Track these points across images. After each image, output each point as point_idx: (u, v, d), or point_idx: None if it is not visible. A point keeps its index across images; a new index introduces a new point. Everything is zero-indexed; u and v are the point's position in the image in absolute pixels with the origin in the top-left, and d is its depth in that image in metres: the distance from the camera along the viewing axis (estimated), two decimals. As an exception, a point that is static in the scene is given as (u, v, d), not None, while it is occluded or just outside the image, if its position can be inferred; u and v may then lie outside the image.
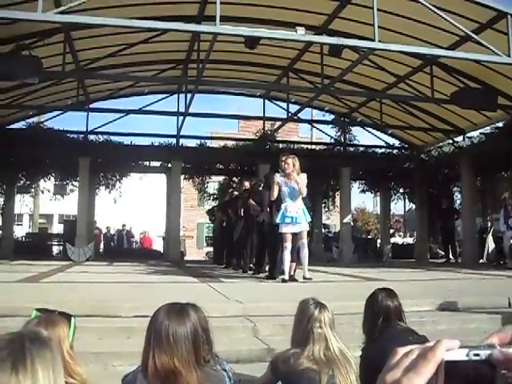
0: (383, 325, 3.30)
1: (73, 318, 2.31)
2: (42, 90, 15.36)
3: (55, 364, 1.07)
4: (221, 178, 22.30)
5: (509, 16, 9.53)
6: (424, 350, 0.70)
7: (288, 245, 8.70)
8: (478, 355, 0.67)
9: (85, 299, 6.05)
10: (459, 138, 17.67)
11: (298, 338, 2.99)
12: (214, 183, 23.56)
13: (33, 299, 5.66)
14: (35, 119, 18.30)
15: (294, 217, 8.68)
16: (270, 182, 9.79)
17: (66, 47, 12.49)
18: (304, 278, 8.65)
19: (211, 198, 21.79)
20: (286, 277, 8.68)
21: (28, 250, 16.75)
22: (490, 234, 16.97)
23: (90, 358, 4.16)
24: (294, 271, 8.91)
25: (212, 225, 18.67)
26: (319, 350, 2.88)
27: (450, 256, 17.56)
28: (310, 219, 9.21)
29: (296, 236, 8.80)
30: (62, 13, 7.96)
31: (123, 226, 24.03)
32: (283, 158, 8.91)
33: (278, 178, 8.81)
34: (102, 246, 22.51)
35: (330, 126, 20.58)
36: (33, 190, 19.61)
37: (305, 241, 8.85)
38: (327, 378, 2.80)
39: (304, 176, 8.90)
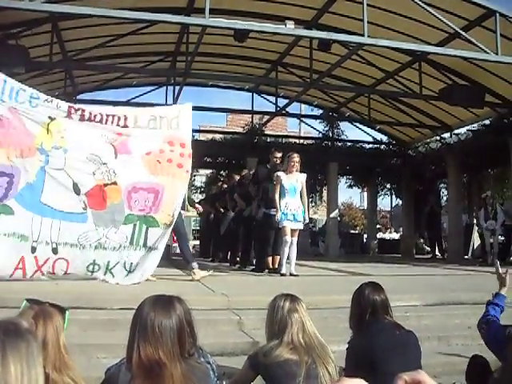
0: (370, 319, 3.32)
1: (67, 311, 2.30)
2: (29, 81, 15.19)
3: (30, 357, 1.04)
4: (208, 172, 22.25)
5: (497, 14, 9.57)
6: None
7: (288, 238, 8.71)
8: None
9: (70, 291, 6.02)
10: (446, 135, 17.76)
11: (274, 330, 3.00)
12: (201, 176, 23.50)
13: (18, 291, 5.62)
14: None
15: (295, 214, 8.77)
16: (260, 177, 9.85)
17: (54, 37, 12.38)
18: (291, 274, 8.68)
19: (198, 191, 21.75)
20: (284, 271, 8.71)
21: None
22: (476, 230, 17.14)
23: (75, 350, 4.13)
24: (279, 265, 8.93)
25: (198, 218, 18.61)
26: (297, 333, 2.90)
27: (436, 252, 17.71)
28: (307, 220, 9.27)
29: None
30: (49, 2, 7.90)
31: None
32: (292, 157, 8.98)
33: (281, 175, 8.86)
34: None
35: (319, 120, 20.59)
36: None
37: (295, 239, 8.87)
38: (308, 369, 2.81)
39: (304, 176, 9.02)
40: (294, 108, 19.84)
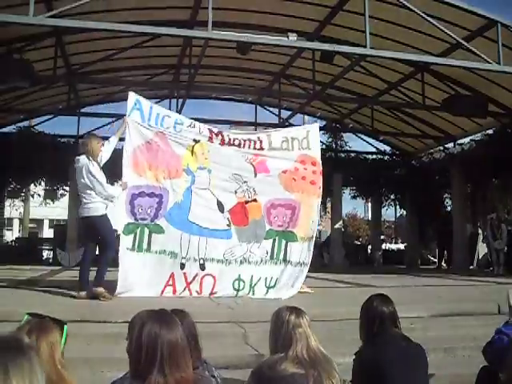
0: (378, 330, 3.32)
1: (66, 326, 2.28)
2: (33, 94, 15.30)
3: (32, 374, 1.03)
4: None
5: (499, 24, 9.58)
6: None
7: None
8: None
9: (74, 304, 6.01)
10: (450, 145, 17.74)
11: (279, 344, 2.95)
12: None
13: (21, 304, 5.62)
14: (26, 123, 18.20)
15: None
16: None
17: (58, 51, 12.45)
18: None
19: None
20: None
21: (18, 255, 16.63)
22: (481, 240, 17.11)
23: (79, 364, 4.13)
24: None
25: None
26: (302, 349, 2.87)
27: (442, 262, 17.67)
28: None
29: None
30: (53, 17, 7.94)
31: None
32: None
33: None
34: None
35: (322, 132, 20.61)
36: (23, 194, 19.40)
37: None
38: (315, 382, 2.78)
39: None
40: (298, 120, 19.90)
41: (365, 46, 8.92)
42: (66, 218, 17.36)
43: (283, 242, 7.78)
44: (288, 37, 9.28)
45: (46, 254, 20.11)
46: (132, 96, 7.50)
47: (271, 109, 18.54)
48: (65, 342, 2.22)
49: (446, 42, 11.19)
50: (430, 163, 18.70)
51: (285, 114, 17.81)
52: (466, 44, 9.65)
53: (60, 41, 12.33)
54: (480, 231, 18.07)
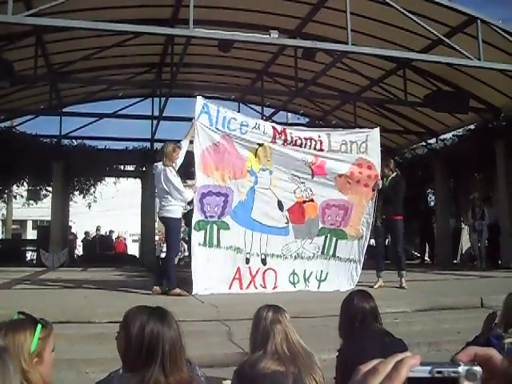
0: (360, 326, 3.33)
1: (39, 325, 2.24)
2: (14, 94, 15.15)
3: (6, 374, 1.03)
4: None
5: (478, 20, 9.65)
6: (389, 371, 0.71)
7: None
8: (440, 373, 0.68)
9: (58, 305, 5.97)
10: (432, 141, 17.85)
11: (258, 341, 2.97)
12: (189, 187, 23.34)
13: (5, 306, 5.57)
14: (7, 123, 18.04)
15: None
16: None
17: (38, 50, 12.33)
18: None
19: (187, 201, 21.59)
20: None
21: (1, 257, 16.48)
22: (467, 234, 17.23)
23: (63, 365, 4.11)
24: None
25: (187, 229, 18.48)
26: (281, 343, 2.88)
27: (426, 257, 17.77)
28: None
29: None
30: (33, 15, 7.86)
31: (97, 231, 23.63)
32: None
33: None
34: (80, 251, 22.18)
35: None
36: (5, 195, 19.22)
37: None
38: (295, 379, 2.78)
39: None
40: (281, 117, 19.89)
41: (346, 43, 8.95)
42: (49, 218, 17.21)
43: (334, 239, 8.47)
44: (270, 34, 9.29)
45: (29, 255, 19.96)
46: (200, 100, 8.09)
47: (254, 106, 18.53)
48: (36, 342, 2.18)
49: (427, 39, 11.24)
50: (413, 159, 18.81)
51: (268, 111, 17.81)
52: (446, 40, 9.72)
53: (40, 40, 12.20)
54: (463, 225, 18.20)
